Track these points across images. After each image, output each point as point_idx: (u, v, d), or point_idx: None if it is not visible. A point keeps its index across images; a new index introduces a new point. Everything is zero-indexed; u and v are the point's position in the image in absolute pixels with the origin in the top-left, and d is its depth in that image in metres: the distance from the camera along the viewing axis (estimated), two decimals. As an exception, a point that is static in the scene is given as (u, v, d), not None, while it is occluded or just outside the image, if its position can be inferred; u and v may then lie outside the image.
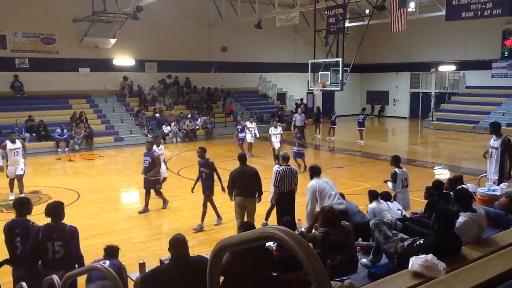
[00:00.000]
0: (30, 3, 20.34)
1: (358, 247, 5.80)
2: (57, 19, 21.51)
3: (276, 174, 7.65)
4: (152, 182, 10.04)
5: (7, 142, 11.28)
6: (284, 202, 7.65)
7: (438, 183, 7.09)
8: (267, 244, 4.95)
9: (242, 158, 8.07)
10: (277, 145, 15.64)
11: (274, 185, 7.70)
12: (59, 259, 4.75)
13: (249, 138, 17.16)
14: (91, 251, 7.65)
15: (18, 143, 11.43)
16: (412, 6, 22.46)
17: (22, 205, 5.23)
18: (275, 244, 4.93)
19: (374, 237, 5.43)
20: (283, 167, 7.72)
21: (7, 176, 11.31)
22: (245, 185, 7.81)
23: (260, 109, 27.00)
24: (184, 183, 13.20)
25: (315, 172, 7.16)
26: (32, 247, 4.79)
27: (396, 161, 8.34)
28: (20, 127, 18.66)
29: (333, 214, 5.06)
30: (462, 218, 4.55)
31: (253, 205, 7.94)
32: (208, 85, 26.73)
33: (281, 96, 30.22)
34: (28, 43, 21.41)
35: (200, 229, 8.81)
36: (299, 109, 21.08)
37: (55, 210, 4.90)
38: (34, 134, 19.09)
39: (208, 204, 8.93)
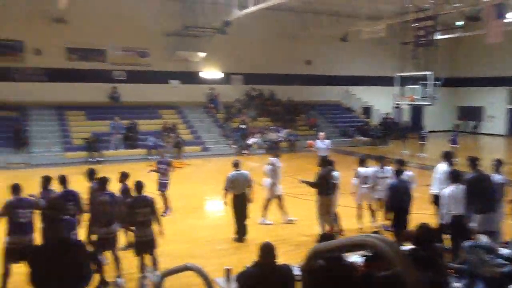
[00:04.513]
0: (127, 20, 21.80)
1: (450, 270, 5.48)
2: (151, 34, 22.87)
3: (227, 179, 9.04)
4: None
5: (273, 159, 10.41)
6: (238, 205, 8.99)
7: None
8: (353, 260, 4.85)
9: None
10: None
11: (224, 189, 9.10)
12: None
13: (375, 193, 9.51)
14: (173, 255, 7.99)
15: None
16: (510, 16, 20.97)
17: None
18: (363, 259, 4.81)
19: (468, 260, 5.11)
20: (234, 172, 9.04)
21: (271, 198, 10.21)
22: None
23: (343, 123, 26.64)
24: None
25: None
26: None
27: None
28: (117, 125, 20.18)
29: (429, 232, 4.77)
30: None
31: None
32: (291, 98, 26.89)
33: (366, 110, 29.56)
34: (126, 57, 23.05)
35: None
36: (322, 134, 15.40)
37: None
38: (128, 142, 20.41)
39: None
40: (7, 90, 20.38)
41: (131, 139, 20.54)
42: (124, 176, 8.37)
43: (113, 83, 22.86)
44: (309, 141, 15.80)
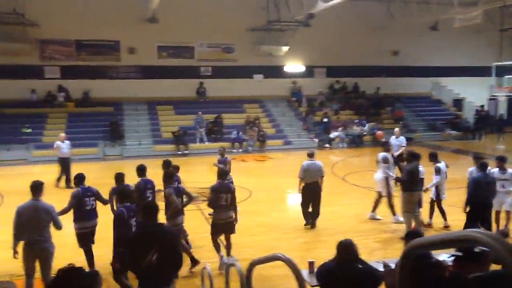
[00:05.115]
0: (213, 17, 22.38)
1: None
2: (236, 30, 23.26)
3: (301, 167, 9.21)
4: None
5: (384, 154, 10.02)
6: (308, 193, 9.25)
7: None
8: (442, 258, 4.64)
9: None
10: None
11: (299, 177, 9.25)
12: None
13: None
14: (256, 246, 8.15)
15: None
16: None
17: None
18: (452, 258, 4.59)
19: None
20: (307, 161, 9.26)
21: (388, 194, 9.79)
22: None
23: (432, 116, 25.36)
24: (349, 189, 13.17)
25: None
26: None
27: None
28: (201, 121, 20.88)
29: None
30: None
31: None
32: (376, 90, 26.10)
33: (457, 102, 27.86)
34: (211, 53, 23.76)
35: None
36: (397, 130, 14.18)
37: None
38: (213, 135, 21.07)
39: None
40: (105, 87, 22.02)
41: (216, 132, 21.21)
42: (175, 169, 8.62)
43: (200, 79, 23.70)
44: (379, 132, 14.92)
